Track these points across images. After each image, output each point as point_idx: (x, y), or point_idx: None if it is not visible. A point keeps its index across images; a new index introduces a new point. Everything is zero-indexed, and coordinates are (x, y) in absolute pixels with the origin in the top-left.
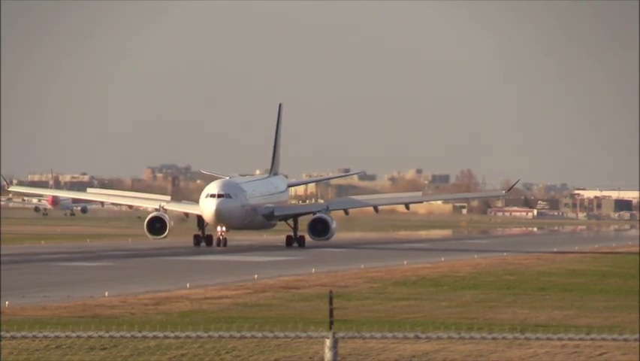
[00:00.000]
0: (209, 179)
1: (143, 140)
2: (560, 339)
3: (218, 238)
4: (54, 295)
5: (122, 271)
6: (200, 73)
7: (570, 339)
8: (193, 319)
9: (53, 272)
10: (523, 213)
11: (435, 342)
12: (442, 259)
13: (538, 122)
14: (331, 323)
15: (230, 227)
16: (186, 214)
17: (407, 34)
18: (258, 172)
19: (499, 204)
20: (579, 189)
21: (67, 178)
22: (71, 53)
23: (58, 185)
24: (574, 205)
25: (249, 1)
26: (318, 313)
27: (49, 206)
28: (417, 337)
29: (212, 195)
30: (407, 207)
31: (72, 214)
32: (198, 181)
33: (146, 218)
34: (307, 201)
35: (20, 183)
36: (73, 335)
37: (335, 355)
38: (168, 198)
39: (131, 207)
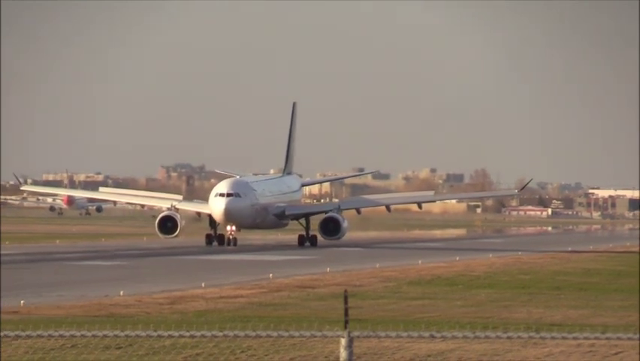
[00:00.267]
0: (223, 178)
1: (157, 139)
2: (575, 338)
3: (228, 238)
4: (69, 294)
5: (136, 270)
6: (215, 72)
7: (585, 338)
8: (208, 318)
9: (68, 271)
10: (538, 213)
11: (450, 341)
12: (457, 258)
13: (553, 122)
14: (346, 322)
15: (239, 226)
16: (198, 213)
17: (421, 35)
18: (272, 171)
19: (514, 203)
20: (593, 188)
21: (82, 178)
22: (89, 52)
23: (72, 185)
24: (588, 204)
25: (269, 1)
26: (333, 313)
27: (64, 205)
28: (432, 336)
29: (222, 195)
30: (420, 207)
31: (87, 213)
32: (212, 180)
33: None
34: (321, 200)
35: (35, 183)
36: (89, 334)
37: (350, 354)
38: (180, 197)
39: (143, 206)
